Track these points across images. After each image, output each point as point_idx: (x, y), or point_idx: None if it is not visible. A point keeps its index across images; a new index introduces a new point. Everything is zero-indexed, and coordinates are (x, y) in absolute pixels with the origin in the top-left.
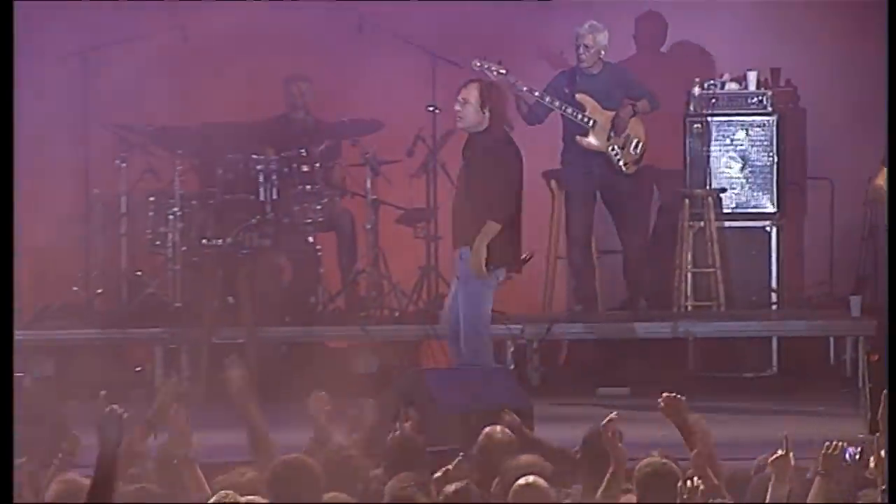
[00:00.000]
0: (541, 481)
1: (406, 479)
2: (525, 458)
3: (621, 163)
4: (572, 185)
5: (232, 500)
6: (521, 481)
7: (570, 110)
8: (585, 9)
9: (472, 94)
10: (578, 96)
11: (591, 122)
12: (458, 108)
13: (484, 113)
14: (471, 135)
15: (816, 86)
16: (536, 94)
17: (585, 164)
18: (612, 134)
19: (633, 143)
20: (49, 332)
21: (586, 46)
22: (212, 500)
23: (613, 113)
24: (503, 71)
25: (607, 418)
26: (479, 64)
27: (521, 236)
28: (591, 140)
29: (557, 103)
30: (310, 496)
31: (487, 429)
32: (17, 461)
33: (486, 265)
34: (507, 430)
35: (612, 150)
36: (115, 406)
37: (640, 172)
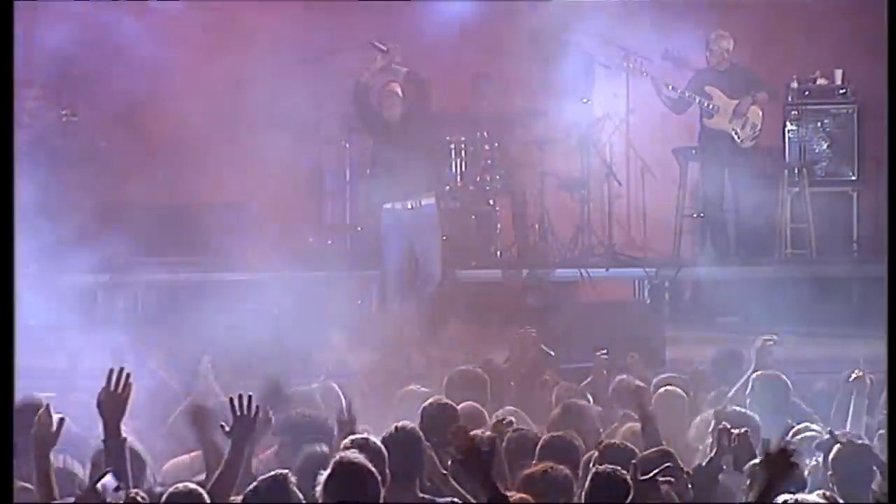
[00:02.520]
0: (676, 389)
1: (569, 388)
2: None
3: (739, 140)
4: (707, 157)
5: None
6: (661, 390)
7: (699, 99)
8: (711, 11)
9: (398, 88)
10: (707, 88)
11: (715, 108)
12: (389, 98)
13: (406, 101)
14: (401, 116)
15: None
16: (671, 87)
17: (715, 141)
18: (733, 117)
19: (751, 125)
20: (291, 272)
21: (711, 50)
22: None
23: (737, 101)
24: (645, 69)
25: (766, 338)
26: (626, 63)
27: None
28: (715, 122)
29: (688, 94)
30: (482, 397)
31: (618, 377)
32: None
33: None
34: (633, 380)
35: (732, 130)
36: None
37: (755, 149)
